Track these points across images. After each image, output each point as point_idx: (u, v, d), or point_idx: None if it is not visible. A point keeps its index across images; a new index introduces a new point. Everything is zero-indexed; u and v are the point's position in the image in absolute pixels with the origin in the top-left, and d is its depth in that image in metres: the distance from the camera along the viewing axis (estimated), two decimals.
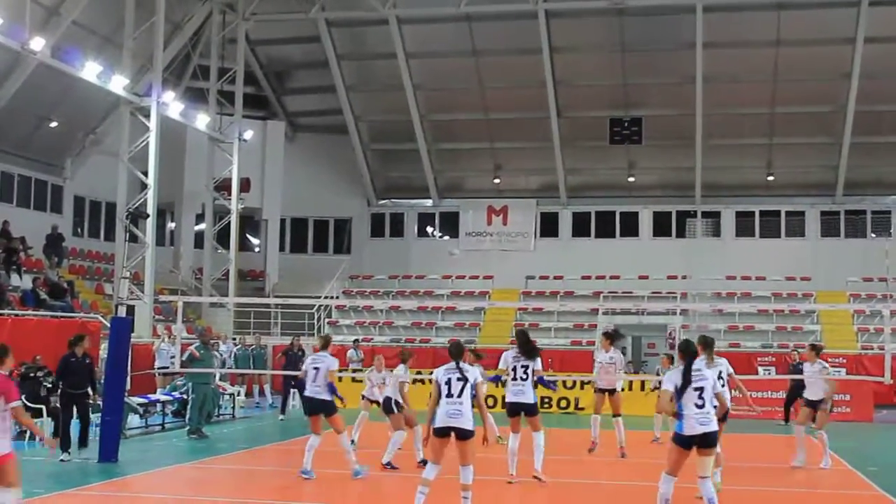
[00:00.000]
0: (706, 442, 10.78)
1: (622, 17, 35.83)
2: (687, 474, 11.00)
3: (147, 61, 32.96)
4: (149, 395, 23.38)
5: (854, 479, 15.99)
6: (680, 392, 10.80)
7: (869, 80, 35.27)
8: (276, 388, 29.93)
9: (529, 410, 14.87)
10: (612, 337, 19.70)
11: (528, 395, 14.82)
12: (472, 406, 11.39)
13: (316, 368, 15.18)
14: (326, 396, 15.04)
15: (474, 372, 11.45)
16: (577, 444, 19.00)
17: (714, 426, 10.86)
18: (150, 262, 31.55)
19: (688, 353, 11.04)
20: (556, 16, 35.98)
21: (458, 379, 11.29)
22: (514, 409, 14.87)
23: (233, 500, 13.44)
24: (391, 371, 17.15)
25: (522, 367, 14.88)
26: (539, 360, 15.18)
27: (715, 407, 11.06)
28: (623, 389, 28.26)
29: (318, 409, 15.08)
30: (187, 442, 20.18)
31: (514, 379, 14.89)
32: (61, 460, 16.17)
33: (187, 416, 21.50)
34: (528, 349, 15.05)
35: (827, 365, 18.47)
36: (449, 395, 11.27)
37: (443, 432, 11.21)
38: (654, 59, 37.04)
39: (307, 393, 15.35)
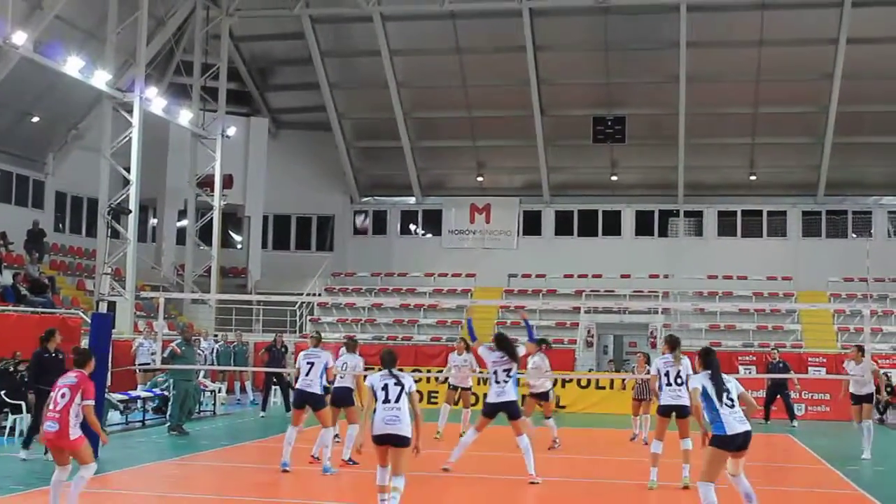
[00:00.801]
0: (747, 441, 10.78)
1: (606, 15, 35.86)
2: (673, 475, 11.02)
3: (130, 56, 32.87)
4: (129, 392, 23.31)
5: (833, 478, 16.06)
6: (711, 397, 10.83)
7: (851, 80, 35.39)
8: (257, 384, 29.87)
9: (512, 412, 14.92)
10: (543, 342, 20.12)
11: (510, 394, 14.92)
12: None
13: (310, 363, 15.31)
14: (317, 390, 15.17)
15: (409, 379, 11.09)
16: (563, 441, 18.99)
17: (749, 425, 10.88)
18: (131, 258, 31.47)
19: (709, 360, 11.18)
20: (541, 14, 36.02)
21: (396, 384, 10.96)
22: (494, 410, 14.96)
23: (214, 496, 13.41)
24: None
25: (504, 370, 14.97)
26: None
27: (743, 408, 11.07)
28: (604, 388, 28.70)
29: (308, 402, 15.22)
30: (168, 438, 20.13)
31: (497, 382, 14.97)
32: (23, 459, 16.01)
33: (168, 413, 21.46)
34: (511, 352, 15.19)
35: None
36: (386, 400, 10.89)
37: (382, 439, 10.84)
38: (638, 58, 37.08)
39: (299, 386, 15.46)
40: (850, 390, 19.52)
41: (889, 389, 28.82)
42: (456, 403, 21.08)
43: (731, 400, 10.85)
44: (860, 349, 19.24)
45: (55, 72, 29.58)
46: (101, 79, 30.38)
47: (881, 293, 35.76)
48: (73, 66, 29.12)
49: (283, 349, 26.99)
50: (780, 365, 25.88)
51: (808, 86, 36.87)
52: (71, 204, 37.65)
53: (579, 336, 34.15)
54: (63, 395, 11.01)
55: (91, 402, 11.12)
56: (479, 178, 41.40)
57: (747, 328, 34.83)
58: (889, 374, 29.50)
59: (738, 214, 39.90)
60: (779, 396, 26.23)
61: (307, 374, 15.24)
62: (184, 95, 37.43)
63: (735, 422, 10.70)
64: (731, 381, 11.08)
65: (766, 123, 37.91)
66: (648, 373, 18.58)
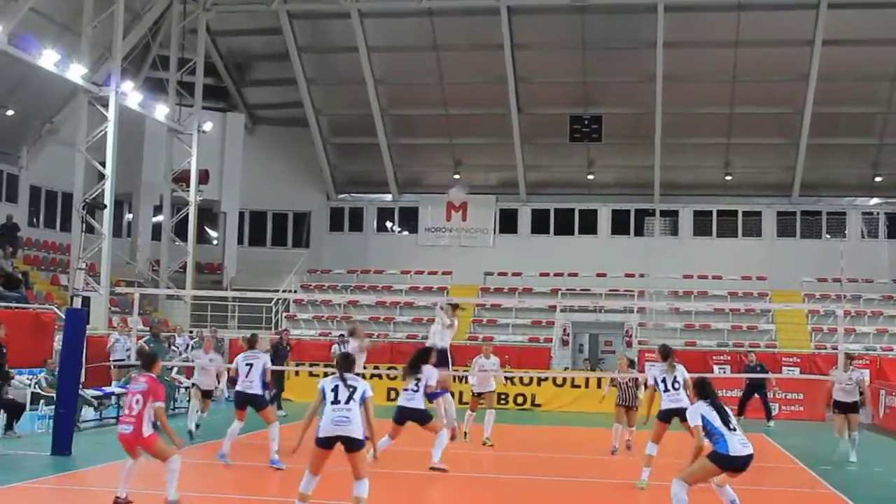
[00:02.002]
0: (747, 464, 10.80)
1: (584, 14, 35.92)
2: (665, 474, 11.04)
3: (106, 50, 32.61)
4: (104, 388, 23.18)
5: (806, 478, 16.17)
6: (715, 425, 10.85)
7: (826, 82, 35.60)
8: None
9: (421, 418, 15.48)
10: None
11: (419, 402, 15.48)
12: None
13: (249, 365, 15.92)
14: (258, 391, 15.85)
15: (364, 385, 10.84)
16: (534, 439, 19.03)
17: (752, 448, 10.90)
18: (106, 253, 31.28)
19: (705, 390, 11.24)
20: (518, 12, 36.05)
21: (346, 387, 10.72)
22: (403, 417, 15.47)
23: (186, 493, 13.33)
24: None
25: (416, 379, 15.49)
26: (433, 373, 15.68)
27: None
28: (580, 387, 28.82)
29: (249, 402, 15.84)
30: None
31: (406, 389, 15.58)
32: None
33: None
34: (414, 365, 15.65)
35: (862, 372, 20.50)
36: (335, 401, 10.63)
37: (327, 442, 10.56)
38: (615, 57, 37.18)
39: (239, 388, 16.07)
40: (835, 398, 19.61)
41: (860, 390, 29.01)
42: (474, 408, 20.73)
43: (735, 425, 10.90)
44: (849, 357, 19.59)
45: (30, 65, 29.31)
46: (76, 72, 30.17)
47: (855, 293, 35.99)
48: (48, 59, 28.87)
49: (287, 347, 27.07)
50: (758, 368, 26.10)
51: (783, 87, 37.08)
52: (45, 198, 37.35)
53: (555, 335, 34.25)
54: (137, 402, 11.60)
55: (161, 404, 11.69)
56: (456, 176, 41.38)
57: (722, 328, 34.98)
58: (862, 375, 29.70)
59: (714, 214, 40.06)
60: (757, 396, 26.41)
61: (247, 376, 15.82)
62: (160, 90, 37.22)
63: (739, 444, 10.71)
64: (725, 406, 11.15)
65: (741, 124, 38.08)
66: (635, 379, 18.87)
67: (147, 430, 11.56)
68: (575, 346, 34.86)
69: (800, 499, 14.76)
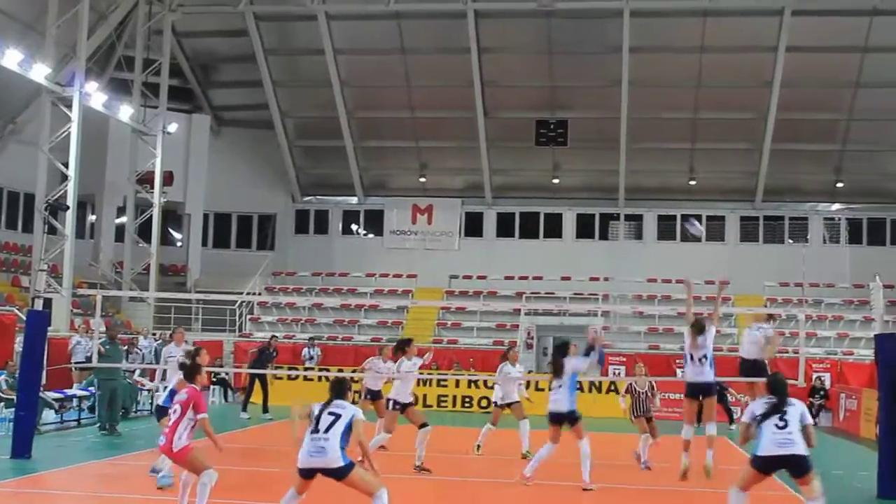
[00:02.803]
0: (788, 464, 10.65)
1: (550, 19, 36.05)
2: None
3: (70, 50, 32.41)
4: (65, 391, 23.01)
5: (767, 481, 16.22)
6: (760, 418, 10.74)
7: (790, 88, 35.91)
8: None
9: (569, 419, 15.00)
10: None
11: (562, 405, 15.02)
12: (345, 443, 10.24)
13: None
14: (162, 402, 14.66)
15: (351, 411, 10.37)
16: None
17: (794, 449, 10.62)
18: (68, 254, 31.08)
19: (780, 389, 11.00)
20: (485, 16, 36.14)
21: (330, 413, 10.28)
22: (552, 420, 15.08)
23: (145, 496, 13.29)
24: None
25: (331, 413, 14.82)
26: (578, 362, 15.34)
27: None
28: (543, 390, 28.75)
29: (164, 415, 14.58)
30: (103, 438, 19.92)
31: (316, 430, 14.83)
32: None
33: (96, 413, 21.28)
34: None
35: None
36: (315, 430, 10.21)
37: (306, 473, 10.17)
38: (581, 61, 37.32)
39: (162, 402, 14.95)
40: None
41: (822, 392, 29.31)
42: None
43: (785, 422, 10.65)
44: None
45: None
46: (39, 72, 29.96)
47: (816, 298, 36.27)
48: (11, 58, 28.66)
49: (274, 353, 27.05)
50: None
51: (747, 92, 37.36)
52: (7, 199, 37.05)
53: (519, 337, 34.30)
54: (175, 411, 11.22)
55: (205, 416, 11.19)
56: (422, 179, 41.41)
57: (685, 331, 35.03)
58: (822, 379, 30.00)
59: (678, 219, 40.31)
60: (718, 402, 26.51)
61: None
62: (125, 91, 37.03)
63: (775, 445, 10.58)
64: (795, 407, 10.83)
65: (705, 129, 38.37)
66: (651, 386, 17.82)
67: (180, 443, 10.96)
68: (539, 350, 34.94)
69: (757, 499, 14.81)
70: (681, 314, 35.09)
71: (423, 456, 15.97)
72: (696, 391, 14.97)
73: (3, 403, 20.18)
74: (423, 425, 16.16)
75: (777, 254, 38.90)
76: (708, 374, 14.98)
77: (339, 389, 10.56)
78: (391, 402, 16.46)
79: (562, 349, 15.49)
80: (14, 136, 35.98)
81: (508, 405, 18.95)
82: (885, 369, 15.51)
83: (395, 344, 17.81)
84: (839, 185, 39.45)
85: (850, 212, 39.70)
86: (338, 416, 10.25)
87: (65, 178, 31.59)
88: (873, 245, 39.13)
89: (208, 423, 11.20)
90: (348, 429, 10.23)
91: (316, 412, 10.36)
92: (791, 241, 39.76)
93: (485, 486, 15.46)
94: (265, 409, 25.45)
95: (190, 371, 11.80)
